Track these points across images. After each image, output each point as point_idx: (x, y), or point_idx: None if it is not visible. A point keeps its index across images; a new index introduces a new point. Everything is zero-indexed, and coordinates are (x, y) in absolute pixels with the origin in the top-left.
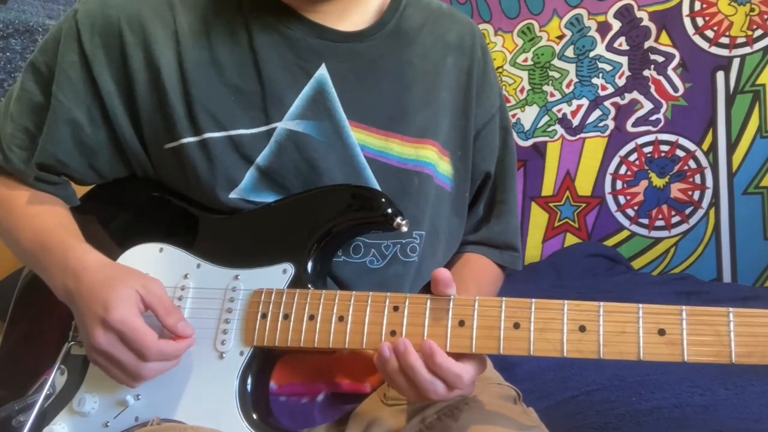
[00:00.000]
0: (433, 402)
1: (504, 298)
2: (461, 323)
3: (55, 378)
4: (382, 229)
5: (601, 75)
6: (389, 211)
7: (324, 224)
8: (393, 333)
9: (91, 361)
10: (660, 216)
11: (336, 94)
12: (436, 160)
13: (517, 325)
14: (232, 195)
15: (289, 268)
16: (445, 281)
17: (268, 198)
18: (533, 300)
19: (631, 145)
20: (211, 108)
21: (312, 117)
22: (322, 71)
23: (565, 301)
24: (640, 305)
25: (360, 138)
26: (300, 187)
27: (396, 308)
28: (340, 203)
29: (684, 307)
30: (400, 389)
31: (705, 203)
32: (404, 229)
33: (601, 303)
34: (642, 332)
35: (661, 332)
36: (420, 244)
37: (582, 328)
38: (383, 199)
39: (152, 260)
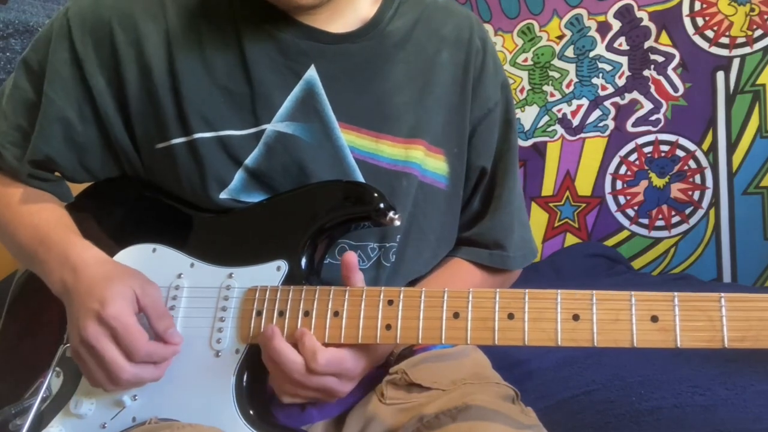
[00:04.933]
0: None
1: (498, 290)
2: (456, 315)
3: (51, 380)
4: (375, 224)
5: (601, 75)
6: (381, 205)
7: (317, 220)
8: (388, 327)
9: (72, 355)
10: (660, 216)
11: (325, 95)
12: (421, 159)
13: (511, 316)
14: (223, 195)
15: (283, 265)
16: (348, 265)
17: (259, 199)
18: (526, 290)
19: (631, 145)
20: (201, 108)
21: (301, 119)
22: (312, 73)
23: (559, 291)
24: (633, 293)
25: (349, 139)
26: (289, 189)
27: (390, 302)
28: (333, 199)
29: (676, 293)
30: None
31: (705, 203)
32: (397, 223)
33: (594, 291)
34: (635, 319)
35: (654, 319)
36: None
37: (576, 317)
38: (375, 194)
39: (146, 260)
